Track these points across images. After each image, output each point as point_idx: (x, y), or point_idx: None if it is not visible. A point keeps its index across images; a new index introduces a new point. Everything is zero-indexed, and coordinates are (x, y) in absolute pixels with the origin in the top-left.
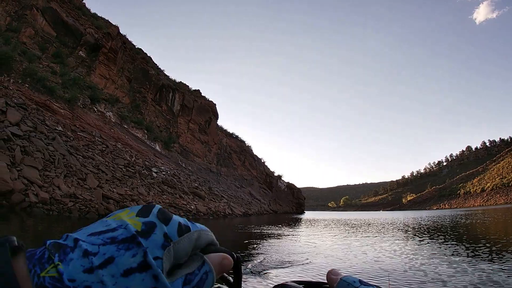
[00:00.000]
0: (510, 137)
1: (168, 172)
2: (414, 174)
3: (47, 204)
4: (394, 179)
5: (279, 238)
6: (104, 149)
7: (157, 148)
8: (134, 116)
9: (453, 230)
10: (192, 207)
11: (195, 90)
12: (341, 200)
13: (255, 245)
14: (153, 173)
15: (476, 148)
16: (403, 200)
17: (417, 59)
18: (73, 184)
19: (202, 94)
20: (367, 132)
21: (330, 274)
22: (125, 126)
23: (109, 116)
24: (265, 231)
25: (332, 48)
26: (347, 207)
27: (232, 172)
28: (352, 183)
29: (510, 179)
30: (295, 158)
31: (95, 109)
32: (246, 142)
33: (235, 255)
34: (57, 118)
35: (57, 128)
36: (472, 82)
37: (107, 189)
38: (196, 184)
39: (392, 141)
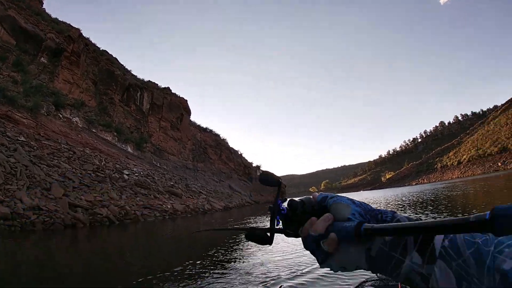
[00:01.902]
0: (481, 110)
1: (141, 173)
2: (391, 153)
3: (8, 219)
4: (372, 159)
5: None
6: (71, 155)
7: (129, 149)
8: (102, 119)
9: (439, 202)
10: (169, 206)
11: (164, 88)
12: (322, 184)
13: (237, 246)
14: (125, 176)
15: (449, 123)
16: (382, 179)
17: (386, 39)
18: (37, 195)
19: (173, 91)
20: (341, 115)
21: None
22: (93, 130)
23: (75, 121)
24: (248, 224)
25: (298, 32)
26: (328, 190)
27: (210, 167)
28: (331, 166)
29: (486, 150)
30: (272, 147)
31: (60, 116)
32: (221, 135)
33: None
34: (20, 128)
35: (19, 139)
36: (438, 59)
37: (73, 197)
38: (171, 183)
39: (367, 122)
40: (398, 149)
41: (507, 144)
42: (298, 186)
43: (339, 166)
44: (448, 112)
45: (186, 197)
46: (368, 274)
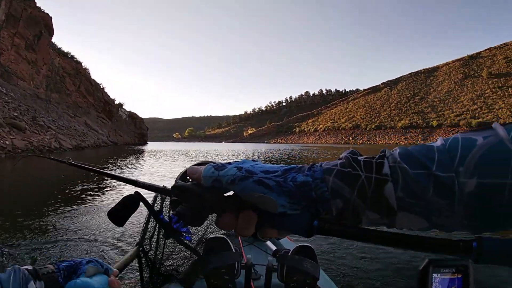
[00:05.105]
0: (344, 89)
1: None
2: (256, 111)
3: None
4: (237, 114)
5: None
6: None
7: None
8: None
9: (297, 161)
10: (7, 142)
11: None
12: (186, 131)
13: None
14: None
15: (313, 94)
16: (245, 134)
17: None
18: None
19: (37, 5)
20: (214, 66)
21: (191, 174)
22: None
23: None
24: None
25: None
26: (191, 138)
27: (65, 99)
28: (197, 115)
29: (340, 124)
30: (140, 86)
31: None
32: (83, 64)
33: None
34: None
35: None
36: (318, 38)
37: None
38: (15, 114)
39: (238, 77)
40: (263, 108)
41: (361, 123)
42: (162, 130)
43: (205, 115)
44: (315, 85)
45: (31, 132)
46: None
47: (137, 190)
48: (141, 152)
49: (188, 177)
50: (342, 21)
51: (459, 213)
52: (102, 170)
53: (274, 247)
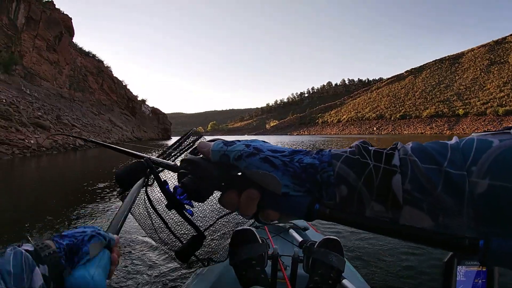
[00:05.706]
0: (367, 79)
1: (4, 100)
2: (278, 103)
3: None
4: (259, 106)
5: None
6: None
7: None
8: None
9: None
10: (32, 141)
11: (47, 1)
12: (209, 125)
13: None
14: None
15: (335, 84)
16: (267, 126)
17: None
18: None
19: (57, 7)
20: (236, 59)
21: (201, 148)
22: None
23: None
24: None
25: None
26: (214, 131)
27: (89, 97)
28: (219, 108)
29: (364, 114)
30: (163, 82)
31: None
32: (104, 62)
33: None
34: None
35: None
36: (340, 27)
37: None
38: (39, 113)
39: (260, 69)
40: (285, 100)
41: (385, 113)
42: (184, 124)
43: (227, 109)
44: (337, 75)
45: (55, 130)
46: None
47: (148, 158)
48: (164, 146)
49: (197, 152)
50: (363, 9)
51: (467, 214)
52: (113, 146)
53: (300, 238)
